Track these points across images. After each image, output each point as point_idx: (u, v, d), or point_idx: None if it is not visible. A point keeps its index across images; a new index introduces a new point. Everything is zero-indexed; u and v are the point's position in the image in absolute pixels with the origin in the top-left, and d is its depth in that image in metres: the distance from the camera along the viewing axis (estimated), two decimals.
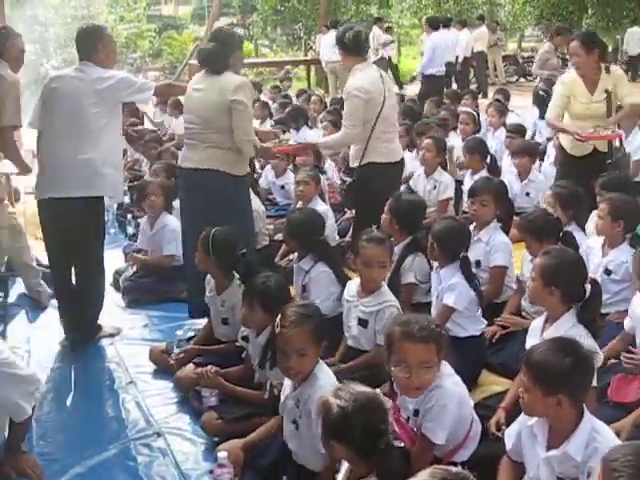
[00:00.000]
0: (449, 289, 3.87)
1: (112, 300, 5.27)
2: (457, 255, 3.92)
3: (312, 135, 8.45)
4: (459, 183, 6.79)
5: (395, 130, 5.20)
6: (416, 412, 2.90)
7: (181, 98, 5.75)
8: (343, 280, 4.11)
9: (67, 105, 4.27)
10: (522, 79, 20.48)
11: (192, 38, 26.12)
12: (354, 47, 4.88)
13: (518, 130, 7.57)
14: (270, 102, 11.67)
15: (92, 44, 4.38)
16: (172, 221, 5.47)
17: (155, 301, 5.25)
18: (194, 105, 4.45)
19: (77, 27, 4.76)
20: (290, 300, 3.59)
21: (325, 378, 2.93)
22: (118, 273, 5.60)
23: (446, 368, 2.90)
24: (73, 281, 4.56)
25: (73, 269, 4.53)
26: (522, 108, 10.04)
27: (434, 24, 13.78)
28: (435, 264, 4.16)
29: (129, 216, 6.68)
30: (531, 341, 3.30)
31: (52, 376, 4.28)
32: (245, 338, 3.76)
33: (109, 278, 5.56)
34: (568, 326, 3.17)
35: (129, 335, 4.77)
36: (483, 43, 17.38)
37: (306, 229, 4.31)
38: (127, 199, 7.60)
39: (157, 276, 5.39)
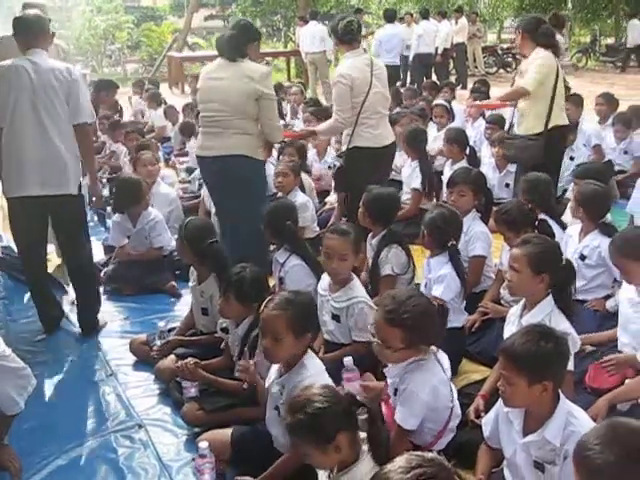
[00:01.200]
0: (438, 280, 3.90)
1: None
2: (447, 244, 3.97)
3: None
4: (439, 174, 6.83)
5: (381, 117, 5.26)
6: (395, 392, 2.98)
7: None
8: (317, 272, 4.10)
9: (37, 97, 4.18)
10: (501, 70, 20.63)
11: (171, 29, 25.99)
12: (345, 36, 5.09)
13: (497, 121, 7.61)
14: None
15: (43, 31, 4.34)
16: (156, 215, 5.50)
17: (137, 292, 5.25)
18: (217, 93, 4.54)
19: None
20: (267, 291, 3.61)
21: (313, 368, 2.94)
22: (99, 264, 5.53)
23: (429, 362, 2.95)
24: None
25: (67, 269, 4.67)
26: None
27: (388, 17, 14.51)
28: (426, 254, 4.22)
29: (108, 209, 6.59)
30: (509, 329, 3.35)
31: (31, 369, 4.21)
32: (224, 329, 3.76)
33: None
34: (547, 311, 3.21)
35: (109, 327, 4.75)
36: (463, 34, 17.44)
37: (277, 219, 4.29)
38: (106, 192, 7.54)
39: (141, 267, 5.38)
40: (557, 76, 5.50)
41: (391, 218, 4.51)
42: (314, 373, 2.90)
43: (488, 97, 8.65)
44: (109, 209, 6.55)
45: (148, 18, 28.38)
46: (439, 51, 15.62)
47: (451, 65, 17.86)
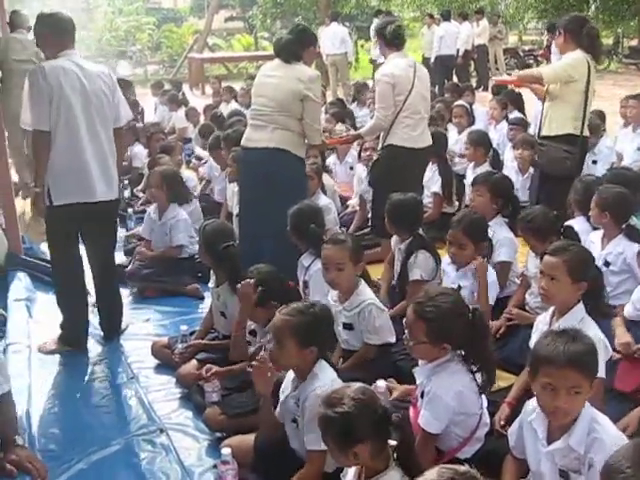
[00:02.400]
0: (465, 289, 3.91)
1: None
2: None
3: None
4: (461, 177, 6.78)
5: (421, 118, 5.31)
6: (422, 394, 2.95)
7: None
8: None
9: (90, 102, 4.14)
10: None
11: (191, 31, 26.01)
12: (392, 40, 5.27)
13: (520, 123, 7.55)
14: None
15: (74, 32, 4.29)
16: (182, 213, 5.53)
17: (159, 294, 5.25)
18: (268, 90, 4.68)
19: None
20: (288, 292, 3.62)
21: (325, 377, 2.91)
22: (120, 266, 5.51)
23: (455, 366, 2.92)
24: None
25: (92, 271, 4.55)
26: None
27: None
28: (446, 260, 4.16)
29: (130, 210, 6.62)
30: (538, 335, 3.28)
31: (52, 371, 4.24)
32: (253, 332, 3.73)
33: None
34: (579, 318, 3.15)
35: (131, 329, 4.73)
36: (484, 36, 17.32)
37: (301, 222, 4.27)
38: (127, 193, 7.57)
39: (162, 267, 5.38)
40: (588, 82, 5.17)
41: (415, 223, 4.51)
42: (326, 381, 2.86)
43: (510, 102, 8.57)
44: (130, 210, 6.57)
45: (169, 19, 28.41)
46: (460, 53, 15.55)
47: (472, 67, 17.76)
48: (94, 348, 4.49)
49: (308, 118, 4.66)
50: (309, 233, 4.18)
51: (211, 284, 4.20)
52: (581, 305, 3.20)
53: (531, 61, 20.99)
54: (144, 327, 4.80)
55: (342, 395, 2.36)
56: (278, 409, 3.10)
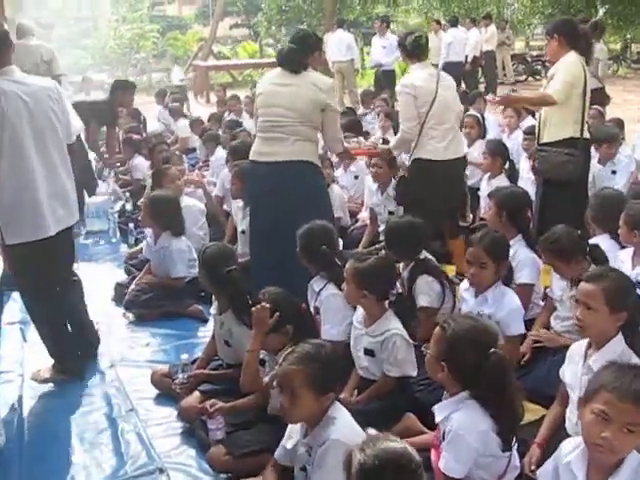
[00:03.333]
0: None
1: (111, 315, 4.99)
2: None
3: None
4: (475, 190, 6.52)
5: (448, 129, 5.12)
6: (444, 435, 2.68)
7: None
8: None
9: (38, 123, 3.75)
10: (530, 78, 20.23)
11: (196, 38, 25.88)
12: (414, 50, 5.17)
13: (534, 132, 7.26)
14: None
15: (9, 45, 3.86)
16: (175, 244, 5.12)
17: (159, 317, 4.95)
18: (284, 99, 4.42)
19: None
20: (303, 316, 3.40)
21: (342, 422, 2.64)
22: (120, 286, 5.29)
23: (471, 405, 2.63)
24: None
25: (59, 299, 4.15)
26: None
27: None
28: (463, 286, 3.92)
29: (131, 225, 6.36)
30: (572, 368, 3.03)
31: (45, 402, 3.97)
32: (262, 362, 3.45)
33: (110, 292, 5.30)
34: (618, 351, 2.89)
35: (130, 356, 4.44)
36: (493, 42, 17.09)
37: (312, 242, 3.97)
38: (129, 206, 7.31)
39: (161, 291, 5.07)
40: (585, 84, 5.06)
41: (415, 247, 4.22)
42: (342, 427, 2.60)
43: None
44: (131, 225, 6.32)
45: (173, 27, 28.32)
46: (469, 59, 15.32)
47: (479, 73, 17.51)
48: (91, 376, 4.20)
49: (330, 128, 4.52)
50: (320, 255, 3.90)
51: (213, 310, 3.93)
52: (620, 336, 2.93)
53: (539, 67, 20.80)
54: (143, 353, 4.51)
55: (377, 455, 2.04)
56: (280, 453, 2.86)
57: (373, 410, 3.29)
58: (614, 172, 6.54)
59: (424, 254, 4.20)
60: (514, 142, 7.66)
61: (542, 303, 4.24)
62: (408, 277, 4.11)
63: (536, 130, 5.50)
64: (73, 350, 4.20)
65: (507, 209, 4.41)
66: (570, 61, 5.04)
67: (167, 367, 3.99)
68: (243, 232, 5.27)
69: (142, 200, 7.23)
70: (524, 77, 20.33)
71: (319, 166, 4.58)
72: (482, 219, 6.18)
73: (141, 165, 7.93)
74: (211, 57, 22.25)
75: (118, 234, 6.80)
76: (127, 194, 7.44)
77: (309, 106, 4.38)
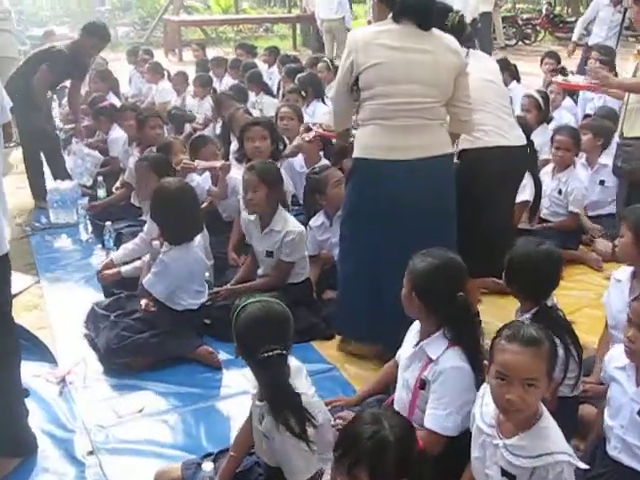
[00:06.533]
0: None
1: (86, 362, 3.66)
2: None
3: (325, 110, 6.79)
4: None
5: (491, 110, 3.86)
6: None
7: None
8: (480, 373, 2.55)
9: None
10: (520, 42, 19.12)
11: None
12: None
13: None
14: (266, 67, 10.05)
15: None
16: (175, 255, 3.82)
17: (153, 363, 3.62)
18: (424, 72, 3.37)
19: None
20: None
21: None
22: (96, 313, 3.87)
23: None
24: None
25: None
26: (526, 75, 8.76)
27: None
28: None
29: (107, 224, 4.96)
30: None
31: None
32: None
33: (81, 318, 4.01)
34: None
35: (117, 433, 3.08)
36: (490, 3, 15.84)
37: (440, 285, 2.70)
38: (102, 192, 5.95)
39: (155, 324, 3.71)
40: None
41: (543, 288, 2.99)
42: None
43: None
44: (108, 224, 4.97)
45: None
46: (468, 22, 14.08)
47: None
48: (61, 466, 2.90)
49: (465, 96, 3.49)
50: (451, 303, 2.68)
51: (253, 389, 2.65)
52: None
53: (529, 30, 19.76)
54: (136, 427, 3.14)
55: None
56: None
57: None
58: None
59: (552, 300, 2.99)
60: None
61: None
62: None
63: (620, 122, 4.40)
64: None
65: None
66: None
67: (179, 465, 2.68)
68: (270, 254, 4.08)
69: (117, 185, 6.01)
70: (514, 41, 19.19)
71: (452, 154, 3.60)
72: (544, 220, 5.10)
73: (119, 139, 6.44)
74: (182, 12, 20.55)
75: (90, 230, 5.47)
76: (100, 178, 6.07)
77: (450, 80, 3.41)
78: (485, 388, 2.36)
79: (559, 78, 5.48)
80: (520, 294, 2.98)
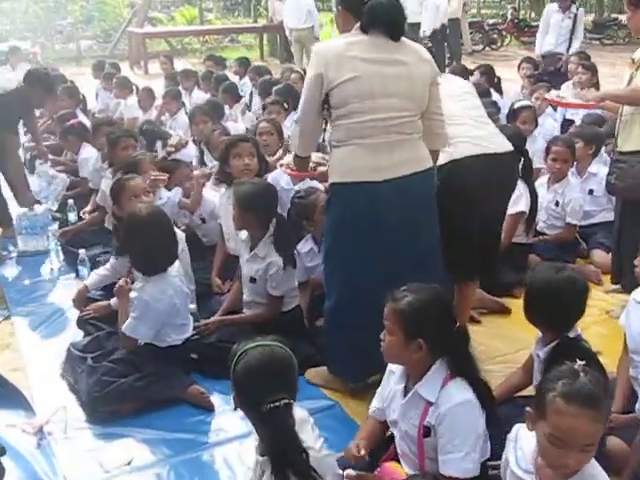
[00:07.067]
0: None
1: (66, 409, 3.34)
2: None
3: None
4: None
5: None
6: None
7: None
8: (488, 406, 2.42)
9: None
10: (487, 48, 19.20)
11: (126, 3, 23.71)
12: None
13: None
14: (237, 78, 9.80)
15: None
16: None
17: (141, 407, 3.34)
18: (400, 85, 3.18)
19: None
20: None
21: None
22: (72, 355, 3.60)
23: None
24: None
25: None
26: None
27: None
28: None
29: (82, 252, 4.68)
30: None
31: None
32: None
33: (57, 361, 3.73)
34: None
35: None
36: (459, 8, 15.83)
37: (434, 314, 2.57)
38: (72, 216, 5.65)
39: (146, 364, 3.42)
40: None
41: (566, 319, 2.82)
42: None
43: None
44: (82, 252, 4.68)
45: None
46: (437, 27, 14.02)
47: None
48: None
49: (437, 108, 3.33)
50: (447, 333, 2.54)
51: (255, 441, 2.40)
52: None
53: (495, 36, 19.86)
54: None
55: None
56: None
57: None
58: None
59: (576, 330, 2.78)
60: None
61: None
62: (545, 359, 2.72)
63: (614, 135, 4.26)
64: None
65: None
66: None
67: None
68: (254, 280, 3.85)
69: (88, 209, 5.71)
70: (481, 47, 19.28)
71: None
72: (540, 233, 4.95)
73: (90, 158, 6.08)
74: (146, 24, 20.23)
75: (62, 258, 5.17)
76: (70, 201, 5.78)
77: (425, 91, 3.24)
78: (517, 432, 2.17)
79: (553, 94, 5.28)
80: (541, 326, 2.77)
